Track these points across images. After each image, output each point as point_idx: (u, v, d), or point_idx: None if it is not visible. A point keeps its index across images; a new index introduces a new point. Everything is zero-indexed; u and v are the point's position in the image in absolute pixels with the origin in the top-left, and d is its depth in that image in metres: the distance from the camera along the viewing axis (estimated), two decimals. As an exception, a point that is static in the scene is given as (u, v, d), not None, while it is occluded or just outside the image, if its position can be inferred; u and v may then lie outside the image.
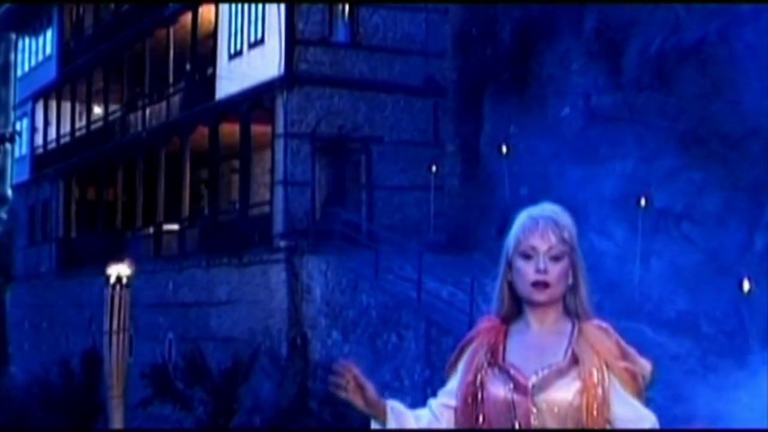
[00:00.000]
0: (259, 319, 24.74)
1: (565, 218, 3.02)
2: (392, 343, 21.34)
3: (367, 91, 25.46)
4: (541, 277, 2.95)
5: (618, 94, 21.57)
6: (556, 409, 2.92)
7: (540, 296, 2.97)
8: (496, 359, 3.00)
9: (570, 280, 3.00)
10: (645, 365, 2.99)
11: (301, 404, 22.94)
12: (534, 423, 2.92)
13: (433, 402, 3.14)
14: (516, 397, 2.94)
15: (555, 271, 2.96)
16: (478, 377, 3.00)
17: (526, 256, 2.98)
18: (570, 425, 2.92)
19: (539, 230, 2.97)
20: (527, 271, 2.97)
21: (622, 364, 2.95)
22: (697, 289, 18.53)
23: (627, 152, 20.74)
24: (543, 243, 2.97)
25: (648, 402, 3.01)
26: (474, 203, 24.16)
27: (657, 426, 2.99)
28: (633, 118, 21.05)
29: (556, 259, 2.97)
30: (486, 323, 3.09)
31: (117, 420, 20.02)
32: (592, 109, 21.91)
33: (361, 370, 3.01)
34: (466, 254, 23.00)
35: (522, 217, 3.02)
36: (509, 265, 3.02)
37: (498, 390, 2.97)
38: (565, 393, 2.92)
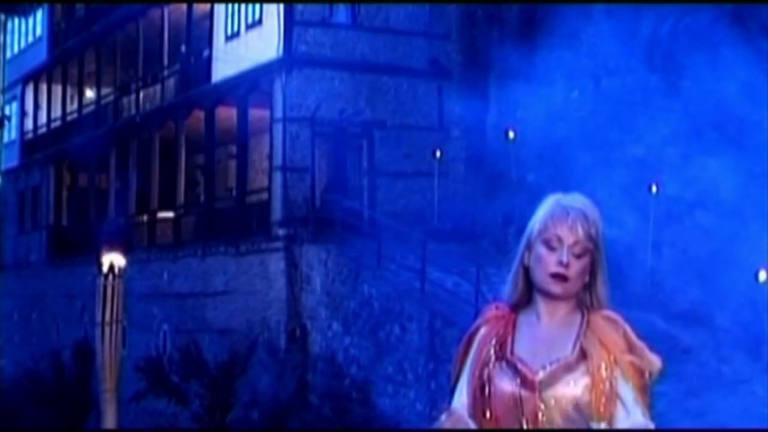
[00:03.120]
0: (256, 310, 24.63)
1: (595, 214, 2.94)
2: (395, 335, 21.29)
3: (369, 73, 25.18)
4: (562, 270, 2.89)
5: (629, 77, 21.46)
6: (563, 405, 2.88)
7: (556, 289, 2.91)
8: (503, 352, 2.96)
9: (587, 278, 2.94)
10: (654, 361, 2.91)
11: (301, 398, 22.98)
12: (541, 419, 2.88)
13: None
14: (523, 392, 2.90)
15: (576, 266, 2.90)
16: (486, 371, 2.95)
17: (550, 246, 2.91)
18: (577, 422, 2.87)
19: (569, 222, 2.90)
20: (549, 261, 2.91)
21: (628, 358, 2.88)
22: (710, 279, 18.56)
23: (638, 137, 20.75)
24: (570, 236, 2.90)
25: (660, 396, 2.94)
26: (480, 190, 24.05)
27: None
28: (644, 102, 20.95)
29: (579, 254, 2.91)
30: (494, 311, 3.04)
31: (110, 414, 19.65)
32: (602, 92, 21.75)
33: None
34: (472, 243, 22.97)
35: (551, 203, 2.95)
36: (529, 249, 2.95)
37: (505, 385, 2.92)
38: (573, 389, 2.87)
